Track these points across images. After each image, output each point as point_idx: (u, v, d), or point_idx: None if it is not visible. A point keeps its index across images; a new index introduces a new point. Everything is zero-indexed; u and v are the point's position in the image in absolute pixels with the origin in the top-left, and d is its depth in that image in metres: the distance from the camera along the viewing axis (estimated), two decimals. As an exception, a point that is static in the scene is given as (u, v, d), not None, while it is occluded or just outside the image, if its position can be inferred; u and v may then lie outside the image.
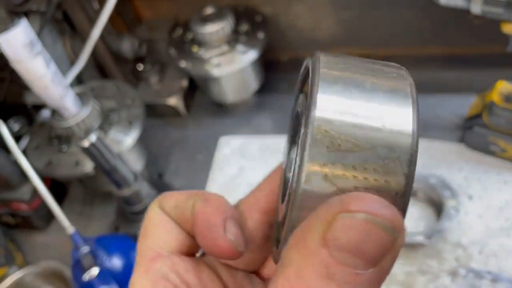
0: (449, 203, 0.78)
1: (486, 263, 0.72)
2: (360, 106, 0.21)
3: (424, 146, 0.88)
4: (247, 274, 0.32)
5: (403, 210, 0.21)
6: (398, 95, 0.22)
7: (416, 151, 0.21)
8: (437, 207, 0.80)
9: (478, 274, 0.71)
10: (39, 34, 0.86)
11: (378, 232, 0.19)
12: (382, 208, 0.19)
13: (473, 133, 0.82)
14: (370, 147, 0.20)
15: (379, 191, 0.20)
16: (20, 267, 0.90)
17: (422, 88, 1.04)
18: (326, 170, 0.20)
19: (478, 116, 0.81)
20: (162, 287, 0.27)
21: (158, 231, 0.31)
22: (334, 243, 0.19)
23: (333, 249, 0.19)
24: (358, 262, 0.19)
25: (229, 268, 0.31)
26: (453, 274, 0.72)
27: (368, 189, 0.20)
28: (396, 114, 0.21)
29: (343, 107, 0.21)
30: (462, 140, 0.85)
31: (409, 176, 0.20)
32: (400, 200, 0.20)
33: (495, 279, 0.70)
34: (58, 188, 1.01)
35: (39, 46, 0.70)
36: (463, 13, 0.74)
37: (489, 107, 0.79)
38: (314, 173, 0.20)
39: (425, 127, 0.90)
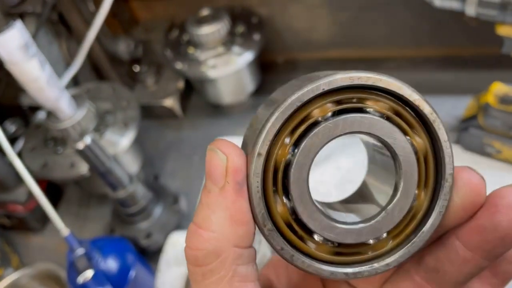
0: (445, 205, 0.78)
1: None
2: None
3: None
4: None
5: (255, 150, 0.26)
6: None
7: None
8: (433, 209, 0.80)
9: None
10: (34, 36, 0.86)
11: (214, 156, 0.26)
12: (219, 141, 0.26)
13: (469, 134, 0.82)
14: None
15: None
16: (16, 269, 0.90)
17: (418, 89, 1.04)
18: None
19: (473, 117, 0.81)
20: None
21: None
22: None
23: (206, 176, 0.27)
24: (209, 183, 0.26)
25: None
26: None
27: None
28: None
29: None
30: (457, 141, 0.85)
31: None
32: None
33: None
34: (54, 190, 1.00)
35: (34, 48, 0.70)
36: (458, 15, 0.74)
37: (485, 108, 0.79)
38: None
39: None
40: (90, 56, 1.00)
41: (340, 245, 0.27)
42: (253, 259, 0.27)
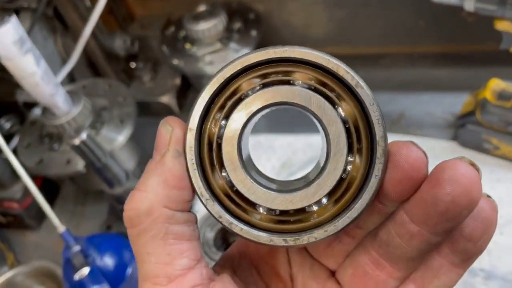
0: (442, 201, 0.78)
1: (479, 260, 0.71)
2: None
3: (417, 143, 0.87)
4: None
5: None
6: None
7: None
8: (430, 205, 0.80)
9: (471, 272, 0.71)
10: (29, 31, 0.85)
11: (161, 128, 0.29)
12: (169, 117, 0.29)
13: (466, 130, 0.82)
14: None
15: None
16: (11, 267, 0.89)
17: (415, 86, 1.04)
18: None
19: (471, 113, 0.81)
20: None
21: None
22: None
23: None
24: (154, 152, 0.28)
25: None
26: (446, 271, 0.72)
27: None
28: None
29: None
30: (455, 137, 0.85)
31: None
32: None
33: (488, 276, 0.70)
34: (50, 187, 1.00)
35: (29, 43, 0.69)
36: (456, 11, 0.74)
37: (482, 104, 0.79)
38: None
39: (418, 124, 0.90)
40: (86, 52, 1.00)
41: (282, 213, 0.28)
42: (190, 220, 0.29)
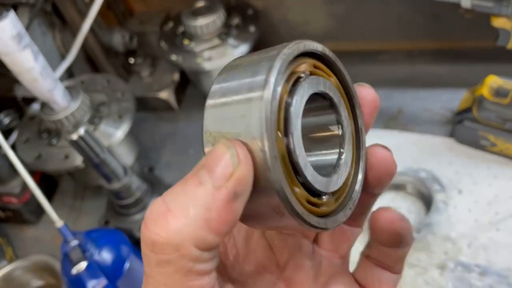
0: (439, 197, 0.79)
1: (475, 256, 0.73)
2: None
3: (414, 140, 0.88)
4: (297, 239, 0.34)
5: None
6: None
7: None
8: (427, 201, 0.80)
9: (467, 268, 0.72)
10: (28, 26, 0.86)
11: (226, 154, 0.24)
12: (237, 143, 0.24)
13: (463, 127, 0.82)
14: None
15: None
16: (10, 261, 0.90)
17: (413, 82, 1.04)
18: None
19: (468, 110, 0.81)
20: None
21: None
22: (200, 163, 0.25)
23: (198, 166, 0.25)
24: (205, 174, 0.24)
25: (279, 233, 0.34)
26: (442, 267, 0.72)
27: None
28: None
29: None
30: (452, 134, 0.85)
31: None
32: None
33: (484, 272, 0.71)
34: (49, 182, 1.00)
35: (27, 38, 0.70)
36: (453, 8, 0.74)
37: (479, 101, 0.79)
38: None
39: (415, 121, 0.90)
40: (84, 48, 1.00)
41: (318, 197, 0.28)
42: (215, 256, 0.26)
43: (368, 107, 0.32)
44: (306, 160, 0.26)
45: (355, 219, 0.34)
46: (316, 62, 0.29)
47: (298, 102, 0.26)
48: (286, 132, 0.26)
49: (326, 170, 0.30)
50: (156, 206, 0.24)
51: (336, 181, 0.29)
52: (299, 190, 0.26)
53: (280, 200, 0.25)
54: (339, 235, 0.34)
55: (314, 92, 0.28)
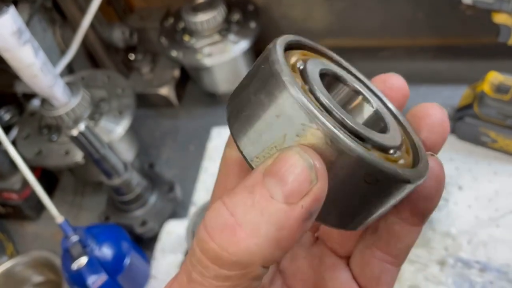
0: (439, 193, 0.79)
1: (474, 252, 0.73)
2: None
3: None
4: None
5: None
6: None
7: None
8: (427, 197, 0.80)
9: (467, 264, 0.72)
10: (28, 22, 0.85)
11: (301, 165, 0.21)
12: (314, 153, 0.22)
13: (464, 123, 0.82)
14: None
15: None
16: (10, 257, 0.90)
17: (414, 79, 1.05)
18: None
19: (469, 106, 0.81)
20: None
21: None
22: (265, 168, 0.22)
23: (264, 173, 0.22)
24: (277, 188, 0.21)
25: None
26: (442, 263, 0.73)
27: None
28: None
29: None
30: (452, 130, 0.85)
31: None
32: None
33: (484, 268, 0.71)
34: (49, 178, 1.00)
35: (27, 34, 0.70)
36: (454, 4, 0.74)
37: (480, 97, 0.79)
38: None
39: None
40: (84, 44, 1.00)
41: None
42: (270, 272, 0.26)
43: (396, 93, 0.31)
44: (360, 124, 0.24)
45: None
46: (303, 51, 0.29)
47: (315, 79, 0.25)
48: (324, 107, 0.24)
49: (378, 128, 0.28)
50: (222, 215, 0.22)
51: (395, 135, 0.27)
52: (373, 151, 0.24)
53: (368, 163, 0.22)
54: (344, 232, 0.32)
55: (321, 72, 0.27)
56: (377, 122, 0.28)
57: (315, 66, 0.26)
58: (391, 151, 0.26)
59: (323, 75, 0.27)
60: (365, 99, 0.29)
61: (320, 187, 0.22)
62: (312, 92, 0.24)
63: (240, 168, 0.29)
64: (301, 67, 0.26)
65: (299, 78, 0.25)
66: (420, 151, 0.27)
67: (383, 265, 0.29)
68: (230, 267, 0.22)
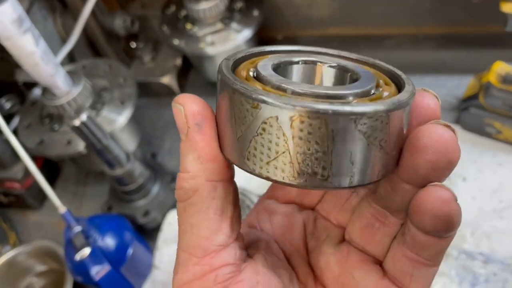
0: (443, 185, 0.78)
1: (478, 244, 0.72)
2: None
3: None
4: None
5: None
6: None
7: None
8: (431, 189, 0.80)
9: (470, 255, 0.72)
10: (28, 10, 0.84)
11: (174, 109, 0.29)
12: (178, 96, 0.29)
13: (469, 114, 0.81)
14: None
15: None
16: (13, 246, 0.90)
17: (419, 68, 1.03)
18: None
19: (474, 97, 0.80)
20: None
21: None
22: None
23: None
24: (180, 134, 0.29)
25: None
26: (445, 255, 0.72)
27: None
28: None
29: None
30: (457, 121, 0.84)
31: None
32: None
33: (487, 260, 0.71)
34: (51, 168, 1.00)
35: (28, 22, 0.69)
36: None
37: (486, 88, 0.78)
38: None
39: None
40: (85, 32, 0.99)
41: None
42: (230, 196, 0.30)
43: (424, 117, 0.27)
44: (329, 86, 0.27)
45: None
46: (252, 60, 0.31)
47: (267, 74, 0.27)
48: (283, 88, 0.26)
49: (351, 80, 0.29)
50: (177, 175, 0.30)
51: (367, 76, 0.27)
52: (357, 101, 0.26)
53: (340, 115, 0.23)
54: (369, 232, 0.32)
55: (274, 66, 0.29)
56: (345, 76, 0.30)
57: (265, 65, 0.28)
58: (372, 92, 0.27)
59: (278, 66, 0.29)
60: (323, 63, 0.30)
61: (187, 109, 0.28)
62: (269, 83, 0.26)
63: None
64: (255, 73, 0.28)
65: (258, 83, 0.27)
66: (400, 75, 0.29)
67: (415, 264, 0.29)
68: (187, 195, 0.29)
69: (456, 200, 0.26)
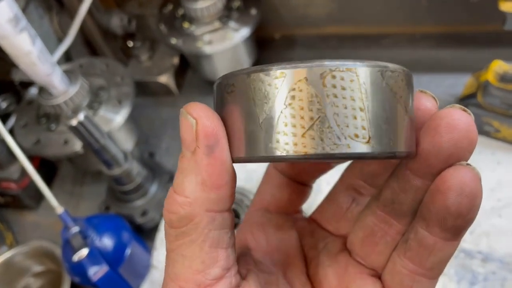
0: (442, 183, 0.78)
1: (477, 243, 0.72)
2: None
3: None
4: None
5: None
6: None
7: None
8: (430, 187, 0.80)
9: (469, 254, 0.72)
10: (24, 9, 0.84)
11: (184, 120, 0.25)
12: (190, 104, 0.25)
13: (467, 113, 0.81)
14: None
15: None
16: (10, 247, 0.90)
17: (416, 67, 1.03)
18: None
19: (472, 96, 0.80)
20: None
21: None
22: None
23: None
24: (183, 147, 0.26)
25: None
26: (444, 254, 0.72)
27: None
28: None
29: None
30: (455, 120, 0.84)
31: None
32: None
33: (486, 259, 0.71)
34: (48, 167, 0.99)
35: (24, 21, 0.68)
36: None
37: (484, 87, 0.78)
38: None
39: (419, 106, 0.89)
40: (82, 31, 0.98)
41: None
42: (228, 225, 0.27)
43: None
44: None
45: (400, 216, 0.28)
46: None
47: None
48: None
49: None
50: (168, 191, 0.27)
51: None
52: None
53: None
54: (371, 242, 0.30)
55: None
56: None
57: None
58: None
59: None
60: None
61: (200, 125, 0.25)
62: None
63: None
64: None
65: None
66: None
67: (415, 277, 0.27)
68: (181, 223, 0.26)
69: (481, 180, 0.25)
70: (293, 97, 0.23)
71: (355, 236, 0.31)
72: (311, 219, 0.35)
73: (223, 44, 0.92)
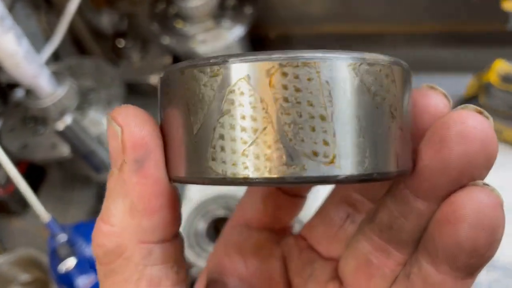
0: (443, 188, 0.76)
1: (480, 249, 0.70)
2: None
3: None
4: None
5: None
6: None
7: None
8: (430, 192, 0.78)
9: (472, 261, 0.70)
10: (10, 8, 0.81)
11: (109, 129, 0.20)
12: (116, 108, 0.21)
13: (469, 114, 0.79)
14: None
15: None
16: (-3, 254, 0.87)
17: (417, 67, 1.01)
18: None
19: (474, 97, 0.78)
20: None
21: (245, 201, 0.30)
22: None
23: None
24: (111, 164, 0.21)
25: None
26: (446, 261, 0.70)
27: None
28: None
29: None
30: (457, 121, 0.83)
31: None
32: None
33: (489, 266, 0.69)
34: (36, 172, 0.97)
35: (10, 21, 0.65)
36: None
37: (486, 88, 0.76)
38: None
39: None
40: (71, 30, 0.96)
41: None
42: (172, 258, 0.21)
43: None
44: None
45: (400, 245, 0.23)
46: None
47: None
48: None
49: None
50: (96, 221, 0.22)
51: None
52: None
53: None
54: (365, 272, 0.25)
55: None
56: None
57: None
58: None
59: None
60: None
61: (127, 134, 0.20)
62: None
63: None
64: None
65: None
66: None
67: None
68: (109, 259, 0.21)
69: (503, 206, 0.19)
70: (231, 102, 0.18)
71: (347, 264, 0.26)
72: (300, 237, 0.30)
73: (217, 44, 0.90)
